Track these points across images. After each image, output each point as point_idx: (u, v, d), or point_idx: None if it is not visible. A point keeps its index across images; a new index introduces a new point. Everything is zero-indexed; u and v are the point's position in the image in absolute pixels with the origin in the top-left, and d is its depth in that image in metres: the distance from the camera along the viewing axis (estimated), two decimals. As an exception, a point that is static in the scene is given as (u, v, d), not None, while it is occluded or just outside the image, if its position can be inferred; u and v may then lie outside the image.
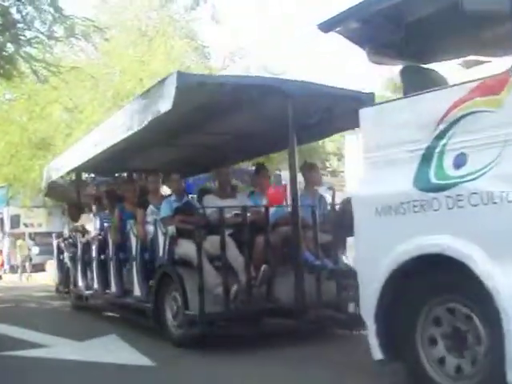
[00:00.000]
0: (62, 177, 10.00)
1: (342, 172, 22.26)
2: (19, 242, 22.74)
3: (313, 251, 5.85)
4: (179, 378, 4.66)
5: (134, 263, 6.68)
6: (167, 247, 5.98)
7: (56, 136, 18.28)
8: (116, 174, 10.92)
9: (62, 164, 9.56)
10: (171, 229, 5.94)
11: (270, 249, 5.75)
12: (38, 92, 17.44)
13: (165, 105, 5.31)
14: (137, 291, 6.66)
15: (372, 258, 3.90)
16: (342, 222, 5.00)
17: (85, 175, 10.54)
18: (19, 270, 20.63)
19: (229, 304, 5.42)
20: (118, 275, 7.29)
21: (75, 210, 9.86)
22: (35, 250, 21.57)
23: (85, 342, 6.02)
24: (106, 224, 8.14)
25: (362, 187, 4.10)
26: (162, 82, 5.53)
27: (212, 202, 6.19)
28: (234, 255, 5.63)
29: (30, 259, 20.96)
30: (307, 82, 5.90)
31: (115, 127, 6.76)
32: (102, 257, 7.87)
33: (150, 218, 6.74)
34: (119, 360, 5.14)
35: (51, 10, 12.19)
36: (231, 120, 6.50)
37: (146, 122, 5.68)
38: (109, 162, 8.77)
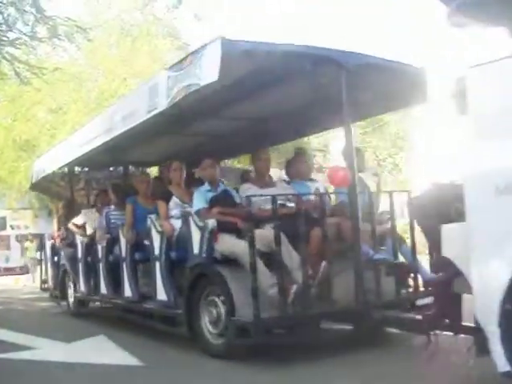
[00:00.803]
0: (54, 172, 9.10)
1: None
2: (27, 243, 21.59)
3: (369, 243, 4.91)
4: (169, 378, 4.42)
5: (158, 264, 5.61)
6: (205, 244, 4.95)
7: (40, 137, 17.54)
8: (111, 168, 10.03)
9: (55, 158, 8.61)
10: (211, 223, 4.92)
11: (327, 242, 4.83)
12: (22, 93, 16.85)
13: (207, 77, 4.27)
14: (161, 295, 5.58)
15: (493, 248, 3.07)
16: (431, 210, 4.21)
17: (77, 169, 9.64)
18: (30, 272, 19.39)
19: (286, 307, 4.45)
20: (133, 278, 6.22)
21: (70, 207, 8.88)
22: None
23: (73, 344, 5.75)
24: (113, 220, 7.11)
25: (476, 163, 3.18)
26: (197, 52, 4.61)
27: (251, 192, 5.13)
28: (288, 251, 4.63)
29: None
30: (364, 54, 4.93)
31: (123, 116, 5.90)
32: (111, 258, 6.86)
33: (174, 212, 5.77)
34: (108, 360, 4.96)
35: (33, 10, 12.02)
36: (269, 97, 5.53)
37: (176, 99, 4.83)
38: (103, 155, 7.72)
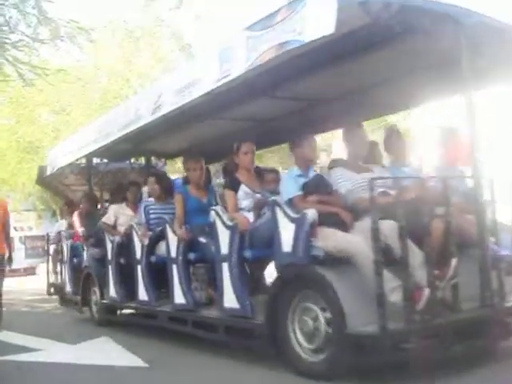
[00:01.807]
0: (70, 164, 8.05)
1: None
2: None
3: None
4: (172, 379, 4.27)
5: (226, 265, 4.54)
6: (301, 240, 3.86)
7: (44, 139, 16.92)
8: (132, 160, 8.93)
9: (71, 149, 7.59)
10: (311, 214, 3.82)
11: (451, 236, 3.71)
12: (25, 95, 16.37)
13: (317, 31, 3.29)
14: (231, 302, 4.51)
15: None
16: None
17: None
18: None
19: (413, 316, 3.42)
20: (186, 282, 5.14)
21: (91, 202, 7.71)
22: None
23: (78, 345, 5.55)
24: (153, 215, 6.01)
25: None
26: (295, 4, 3.76)
27: (346, 177, 4.21)
28: (410, 248, 3.55)
29: None
30: (485, 15, 3.90)
31: (177, 90, 4.89)
32: (154, 258, 5.76)
33: (245, 204, 4.71)
34: (112, 361, 4.84)
35: (35, 12, 11.99)
36: (369, 62, 4.40)
37: (262, 60, 3.68)
38: (125, 145, 6.91)
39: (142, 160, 8.85)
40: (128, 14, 18.87)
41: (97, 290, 7.11)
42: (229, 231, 4.60)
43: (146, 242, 5.80)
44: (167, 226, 5.42)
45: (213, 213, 4.78)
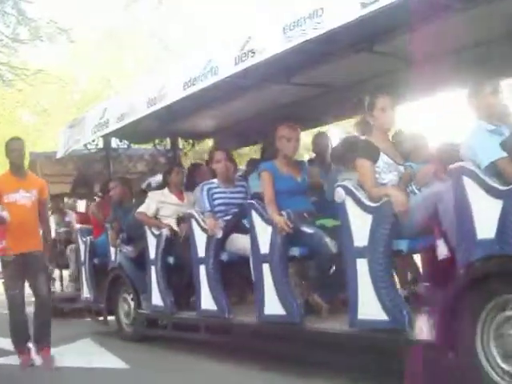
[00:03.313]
0: (85, 145, 6.24)
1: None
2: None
3: None
4: (154, 381, 4.05)
5: (363, 261, 3.13)
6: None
7: (25, 140, 15.42)
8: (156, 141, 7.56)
9: (88, 128, 5.80)
10: None
11: None
12: (5, 95, 15.66)
13: None
14: (373, 312, 3.10)
15: None
16: None
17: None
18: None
19: None
20: (285, 285, 3.69)
21: (125, 189, 5.94)
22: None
23: (60, 348, 5.20)
24: (219, 201, 4.48)
25: None
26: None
27: None
28: None
29: None
30: None
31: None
32: (225, 256, 4.33)
33: (388, 178, 3.30)
34: (96, 364, 4.62)
35: (14, 12, 12.03)
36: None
37: None
38: (149, 125, 5.59)
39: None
40: (108, 14, 18.70)
41: (128, 296, 5.56)
42: (370, 216, 3.18)
43: (220, 234, 4.23)
44: (253, 211, 4.01)
45: (340, 190, 3.51)
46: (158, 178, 6.80)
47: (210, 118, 6.03)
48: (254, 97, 4.97)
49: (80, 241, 6.30)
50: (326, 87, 4.86)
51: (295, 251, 3.77)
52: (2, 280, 4.87)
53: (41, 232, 4.92)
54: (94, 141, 6.28)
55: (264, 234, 3.87)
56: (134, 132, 6.09)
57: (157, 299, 5.03)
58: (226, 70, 3.86)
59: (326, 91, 4.92)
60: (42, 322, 4.69)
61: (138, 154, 7.80)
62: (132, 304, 5.51)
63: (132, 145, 6.74)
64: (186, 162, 7.18)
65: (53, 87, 15.77)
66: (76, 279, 7.60)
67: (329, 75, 4.51)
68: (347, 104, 4.05)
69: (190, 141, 7.13)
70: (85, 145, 6.30)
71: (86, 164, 7.82)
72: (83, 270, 6.24)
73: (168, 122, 5.90)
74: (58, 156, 6.45)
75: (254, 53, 3.61)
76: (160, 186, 5.54)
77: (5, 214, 4.49)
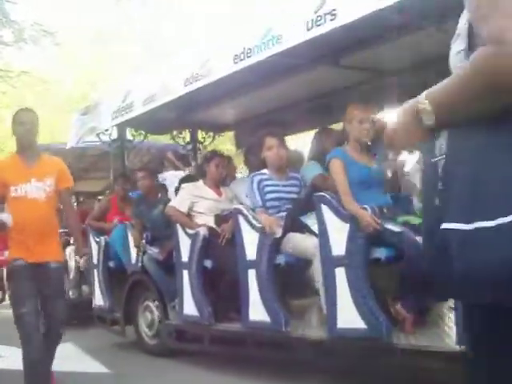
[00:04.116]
0: (97, 135, 5.60)
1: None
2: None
3: None
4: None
5: None
6: None
7: (7, 142, 14.80)
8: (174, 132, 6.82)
9: (106, 113, 5.16)
10: None
11: None
12: None
13: None
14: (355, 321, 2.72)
15: None
16: None
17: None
18: None
19: None
20: (367, 294, 3.09)
21: (150, 180, 5.17)
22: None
23: None
24: (271, 195, 3.82)
25: None
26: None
27: None
28: None
29: None
30: None
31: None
32: (282, 259, 3.64)
33: None
34: (76, 368, 4.46)
35: None
36: None
37: None
38: (167, 115, 5.19)
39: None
40: (96, 14, 17.85)
41: (152, 304, 4.88)
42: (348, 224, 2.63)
43: (279, 233, 3.55)
44: (323, 206, 3.36)
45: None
46: (167, 174, 6.18)
47: (233, 108, 5.41)
48: (291, 82, 4.34)
49: (93, 241, 5.56)
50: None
51: (381, 252, 3.13)
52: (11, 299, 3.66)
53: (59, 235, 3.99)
54: (107, 130, 5.59)
55: (340, 233, 3.22)
56: (151, 122, 5.45)
57: (190, 308, 4.32)
58: (292, 38, 3.23)
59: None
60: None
61: (145, 148, 7.07)
62: (157, 313, 4.78)
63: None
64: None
65: (37, 89, 15.48)
66: (77, 285, 6.95)
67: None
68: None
69: (211, 133, 6.45)
70: (97, 135, 5.59)
71: (76, 158, 7.11)
72: (95, 274, 5.49)
73: (188, 112, 5.28)
74: (68, 146, 5.74)
75: (333, 15, 2.98)
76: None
77: (5, 216, 3.36)
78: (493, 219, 0.92)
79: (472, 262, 0.95)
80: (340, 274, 3.21)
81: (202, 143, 6.33)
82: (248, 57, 3.49)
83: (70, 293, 7.06)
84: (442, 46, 1.41)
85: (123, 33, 17.52)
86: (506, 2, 0.91)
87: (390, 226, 3.09)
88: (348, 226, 3.15)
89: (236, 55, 3.54)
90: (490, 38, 0.91)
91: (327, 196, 3.27)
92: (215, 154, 4.58)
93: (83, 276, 6.60)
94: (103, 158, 7.04)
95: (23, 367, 3.23)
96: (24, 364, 3.22)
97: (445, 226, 1.01)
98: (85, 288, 6.98)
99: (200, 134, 6.40)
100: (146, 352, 4.87)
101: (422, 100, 1.02)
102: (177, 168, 7.36)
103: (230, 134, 6.77)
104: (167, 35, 18.20)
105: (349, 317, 3.17)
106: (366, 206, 3.14)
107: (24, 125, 3.40)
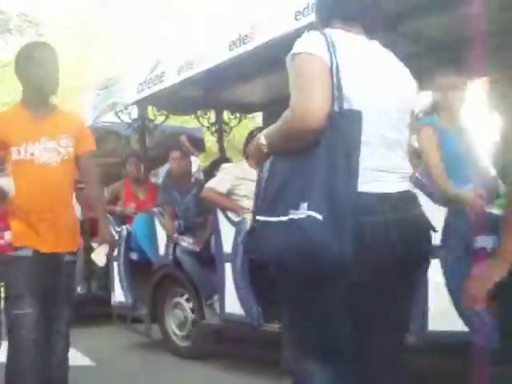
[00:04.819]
0: (116, 113, 5.07)
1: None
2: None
3: None
4: (121, 378, 3.94)
5: None
6: None
7: None
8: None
9: (132, 86, 4.68)
10: None
11: None
12: None
13: None
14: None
15: None
16: None
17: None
18: None
19: None
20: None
21: (183, 163, 4.63)
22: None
23: None
24: None
25: None
26: None
27: None
28: None
29: None
30: None
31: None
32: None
33: None
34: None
35: None
36: None
37: None
38: (191, 92, 4.76)
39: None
40: (83, 7, 17.54)
41: (184, 302, 4.38)
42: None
43: None
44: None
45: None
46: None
47: (262, 86, 4.88)
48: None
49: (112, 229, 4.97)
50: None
51: (486, 241, 2.59)
52: (3, 294, 2.80)
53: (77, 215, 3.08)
54: (126, 108, 5.04)
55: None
56: (174, 101, 4.93)
57: (233, 307, 3.77)
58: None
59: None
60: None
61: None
62: (189, 312, 4.22)
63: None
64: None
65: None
66: (86, 278, 6.40)
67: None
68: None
69: (237, 114, 5.92)
70: (116, 113, 5.02)
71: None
72: (116, 267, 4.91)
73: (214, 90, 4.76)
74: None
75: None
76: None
77: (3, 180, 2.59)
78: (276, 216, 1.54)
79: (265, 240, 1.61)
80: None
81: (227, 124, 5.77)
82: (304, 16, 2.97)
83: (78, 288, 6.47)
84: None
85: (108, 28, 17.44)
86: (306, 88, 1.55)
87: (494, 210, 2.56)
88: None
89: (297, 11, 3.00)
90: (291, 107, 1.57)
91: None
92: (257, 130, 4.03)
93: (93, 269, 6.01)
94: (112, 141, 6.43)
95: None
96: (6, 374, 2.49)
97: (257, 217, 1.62)
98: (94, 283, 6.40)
99: (226, 115, 5.84)
100: (173, 353, 4.29)
101: (262, 137, 1.67)
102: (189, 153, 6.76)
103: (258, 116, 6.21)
104: (167, 35, 17.78)
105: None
106: (468, 186, 2.59)
107: (44, 66, 2.58)
